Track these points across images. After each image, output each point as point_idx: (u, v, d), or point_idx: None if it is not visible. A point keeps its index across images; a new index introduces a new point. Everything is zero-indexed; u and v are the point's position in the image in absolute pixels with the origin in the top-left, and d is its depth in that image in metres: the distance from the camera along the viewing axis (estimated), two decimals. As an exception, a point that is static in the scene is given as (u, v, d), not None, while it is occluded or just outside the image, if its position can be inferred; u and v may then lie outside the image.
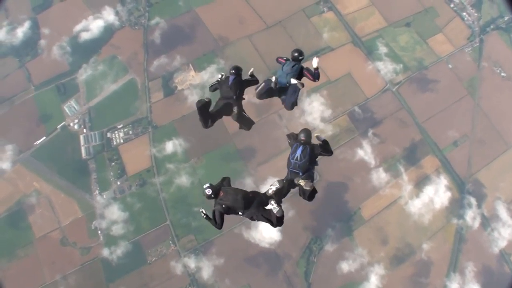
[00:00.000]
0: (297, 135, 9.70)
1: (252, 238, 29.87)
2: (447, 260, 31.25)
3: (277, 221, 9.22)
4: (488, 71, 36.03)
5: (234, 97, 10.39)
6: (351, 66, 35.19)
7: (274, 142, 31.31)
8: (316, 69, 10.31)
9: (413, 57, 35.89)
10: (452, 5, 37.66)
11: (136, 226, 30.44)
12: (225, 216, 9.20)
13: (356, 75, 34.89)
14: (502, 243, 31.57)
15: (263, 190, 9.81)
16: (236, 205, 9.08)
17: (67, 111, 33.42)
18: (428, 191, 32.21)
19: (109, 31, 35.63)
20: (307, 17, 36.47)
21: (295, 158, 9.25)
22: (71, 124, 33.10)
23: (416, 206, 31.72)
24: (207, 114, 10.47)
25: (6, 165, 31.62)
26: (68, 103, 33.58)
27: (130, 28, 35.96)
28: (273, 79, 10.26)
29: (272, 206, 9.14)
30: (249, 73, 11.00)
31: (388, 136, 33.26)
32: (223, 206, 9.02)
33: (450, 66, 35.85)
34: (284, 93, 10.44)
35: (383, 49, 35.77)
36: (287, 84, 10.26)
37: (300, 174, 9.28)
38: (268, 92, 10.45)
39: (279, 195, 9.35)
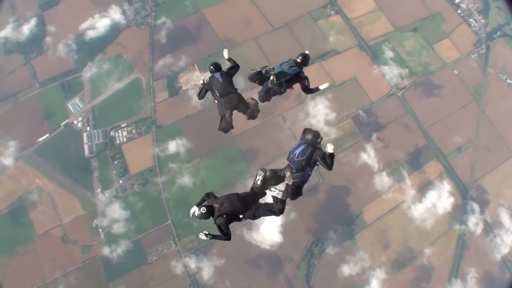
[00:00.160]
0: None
1: (253, 240, 29.82)
2: (448, 266, 31.17)
3: (282, 206, 9.23)
4: (494, 77, 35.94)
5: (232, 90, 10.41)
6: (356, 70, 35.11)
7: (278, 144, 31.34)
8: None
9: (419, 62, 35.82)
10: (459, 11, 37.59)
11: (138, 225, 30.45)
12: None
13: (361, 79, 34.83)
14: (504, 250, 31.54)
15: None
16: (236, 208, 9.04)
17: (71, 108, 33.43)
18: (431, 196, 32.14)
19: (115, 30, 35.65)
20: (313, 20, 36.40)
21: (294, 153, 9.31)
22: (75, 122, 33.10)
23: (418, 211, 31.67)
24: (229, 127, 10.48)
25: (8, 161, 31.62)
26: (73, 100, 33.61)
27: (136, 27, 35.97)
28: (269, 68, 10.40)
29: (275, 192, 9.14)
30: (226, 57, 10.96)
31: (392, 141, 33.21)
32: (224, 216, 8.91)
33: (456, 72, 35.74)
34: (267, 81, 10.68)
35: (389, 54, 35.69)
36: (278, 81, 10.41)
37: (294, 170, 9.31)
38: (258, 75, 10.67)
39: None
